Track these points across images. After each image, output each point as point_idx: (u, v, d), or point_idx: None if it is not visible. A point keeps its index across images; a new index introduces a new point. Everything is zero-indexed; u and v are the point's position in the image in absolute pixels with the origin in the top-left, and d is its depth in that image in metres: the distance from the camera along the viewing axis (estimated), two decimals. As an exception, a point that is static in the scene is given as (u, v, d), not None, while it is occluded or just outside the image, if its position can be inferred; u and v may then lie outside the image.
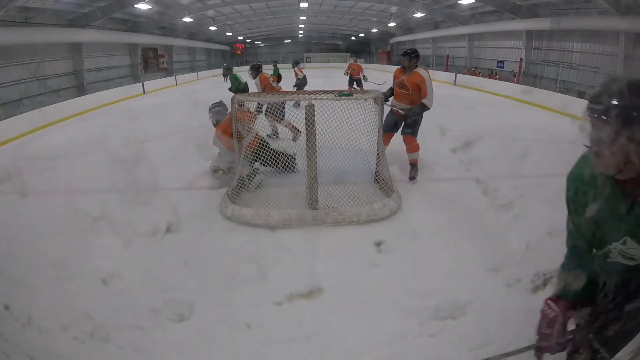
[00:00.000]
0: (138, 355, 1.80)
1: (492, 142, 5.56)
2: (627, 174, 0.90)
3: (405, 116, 3.77)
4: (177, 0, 14.16)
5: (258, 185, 3.68)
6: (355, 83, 9.33)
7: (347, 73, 9.55)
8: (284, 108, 4.39)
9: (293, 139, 4.75)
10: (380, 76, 9.00)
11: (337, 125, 3.24)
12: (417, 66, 3.73)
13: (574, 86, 10.68)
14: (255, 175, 3.67)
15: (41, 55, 10.58)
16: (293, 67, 9.26)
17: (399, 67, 3.88)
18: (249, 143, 3.58)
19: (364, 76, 9.23)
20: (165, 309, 2.04)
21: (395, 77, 3.87)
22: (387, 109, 3.79)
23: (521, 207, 3.15)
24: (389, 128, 3.85)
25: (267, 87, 5.50)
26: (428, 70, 3.81)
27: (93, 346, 1.83)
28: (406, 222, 3.12)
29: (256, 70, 5.74)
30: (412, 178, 3.90)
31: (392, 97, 3.87)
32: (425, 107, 3.69)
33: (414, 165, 3.94)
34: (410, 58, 3.69)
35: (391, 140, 3.97)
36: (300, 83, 8.94)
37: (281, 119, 4.56)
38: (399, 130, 3.93)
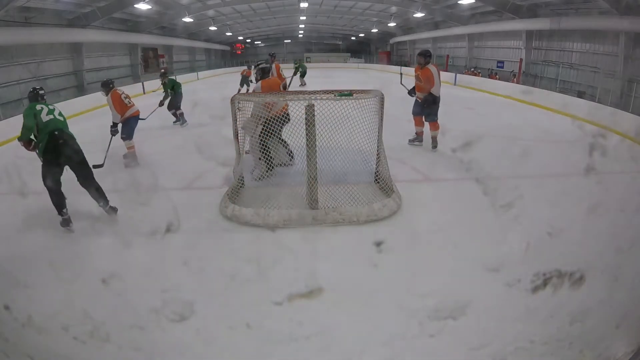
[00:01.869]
0: (138, 355, 1.80)
1: (492, 142, 5.56)
2: None
3: (423, 101, 4.86)
4: (177, 0, 14.16)
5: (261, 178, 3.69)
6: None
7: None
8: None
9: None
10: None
11: (337, 125, 3.24)
12: (429, 63, 4.77)
13: (574, 86, 10.67)
14: (272, 169, 3.65)
15: (41, 55, 10.58)
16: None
17: (416, 65, 5.01)
18: (280, 109, 3.54)
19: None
20: (165, 309, 2.04)
21: (415, 72, 5.01)
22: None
23: (521, 207, 3.14)
24: (417, 112, 5.04)
25: (120, 107, 4.55)
26: (437, 66, 4.88)
27: (93, 346, 1.83)
28: (406, 222, 3.12)
29: (107, 87, 4.58)
30: (434, 147, 4.98)
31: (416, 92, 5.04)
32: (432, 95, 4.74)
33: (434, 138, 4.99)
34: (424, 57, 4.78)
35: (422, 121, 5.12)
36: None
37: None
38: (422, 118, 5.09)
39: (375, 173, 3.65)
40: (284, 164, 4.02)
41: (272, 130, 3.47)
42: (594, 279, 2.02)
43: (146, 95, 13.03)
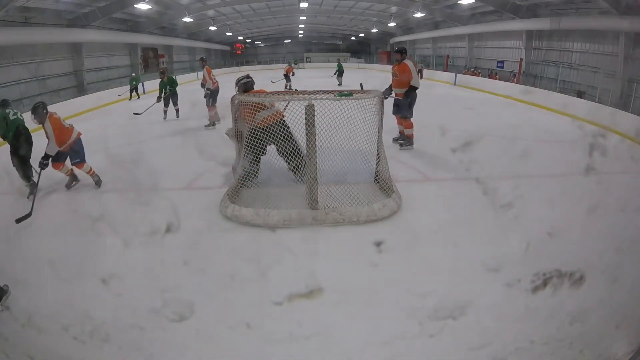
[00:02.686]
0: (138, 355, 1.80)
1: (492, 142, 5.56)
2: None
3: (403, 97, 4.96)
4: (177, 0, 14.16)
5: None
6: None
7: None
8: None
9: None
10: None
11: (337, 125, 3.24)
12: (405, 59, 5.00)
13: (574, 86, 10.67)
14: (256, 174, 3.60)
15: (41, 55, 10.58)
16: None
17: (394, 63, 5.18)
18: (266, 117, 3.37)
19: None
20: (165, 309, 2.04)
21: (392, 69, 5.18)
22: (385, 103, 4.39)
23: (521, 207, 3.15)
24: (395, 111, 5.13)
25: (61, 133, 3.79)
26: (413, 62, 5.15)
27: (93, 346, 1.83)
28: (406, 222, 3.11)
29: (41, 114, 3.72)
30: (409, 144, 5.14)
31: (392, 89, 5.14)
32: (414, 87, 4.94)
33: (409, 137, 5.16)
34: (401, 54, 5.05)
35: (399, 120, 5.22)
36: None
37: None
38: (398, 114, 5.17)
39: (375, 173, 3.65)
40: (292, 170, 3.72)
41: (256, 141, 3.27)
42: (594, 279, 2.02)
43: (146, 95, 13.04)
